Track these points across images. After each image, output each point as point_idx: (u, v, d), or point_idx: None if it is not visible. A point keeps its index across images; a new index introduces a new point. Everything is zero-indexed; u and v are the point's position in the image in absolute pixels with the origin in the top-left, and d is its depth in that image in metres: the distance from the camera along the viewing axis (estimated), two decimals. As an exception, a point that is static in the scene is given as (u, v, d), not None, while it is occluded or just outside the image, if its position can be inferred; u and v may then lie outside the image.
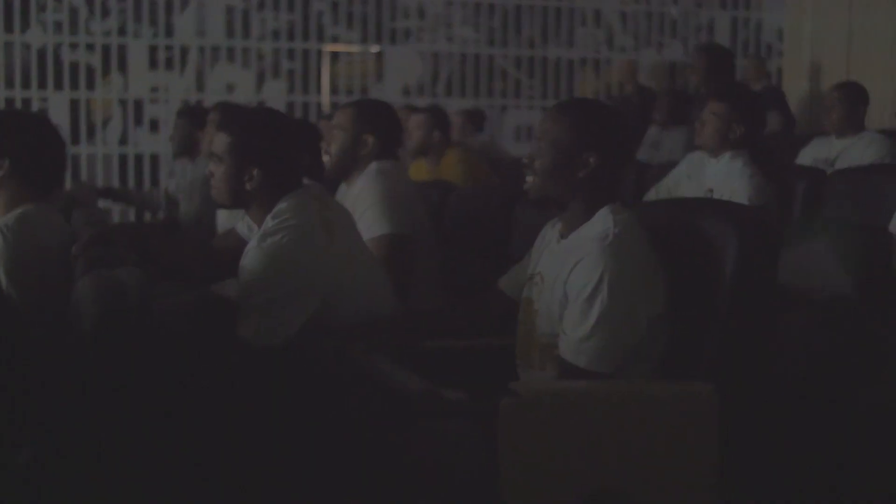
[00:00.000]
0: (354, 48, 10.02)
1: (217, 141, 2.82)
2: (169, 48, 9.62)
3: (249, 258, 2.72)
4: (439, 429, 2.34)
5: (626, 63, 9.87)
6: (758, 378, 2.37)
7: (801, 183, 4.14)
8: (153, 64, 9.59)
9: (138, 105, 9.57)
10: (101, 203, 7.50)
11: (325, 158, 3.56)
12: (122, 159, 9.58)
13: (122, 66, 9.52)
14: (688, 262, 2.47)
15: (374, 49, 10.07)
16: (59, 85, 9.34)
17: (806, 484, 2.62)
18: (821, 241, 3.04)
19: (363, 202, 3.43)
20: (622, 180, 2.60)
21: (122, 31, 9.48)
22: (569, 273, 2.43)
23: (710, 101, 4.14)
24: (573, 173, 2.49)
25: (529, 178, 2.57)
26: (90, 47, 9.43)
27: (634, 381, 2.38)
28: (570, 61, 10.41)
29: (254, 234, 2.80)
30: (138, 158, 9.58)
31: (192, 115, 6.10)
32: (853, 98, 5.46)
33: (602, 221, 2.47)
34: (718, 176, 4.01)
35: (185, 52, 9.65)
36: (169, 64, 9.62)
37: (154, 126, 9.56)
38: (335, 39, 9.95)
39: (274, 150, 2.79)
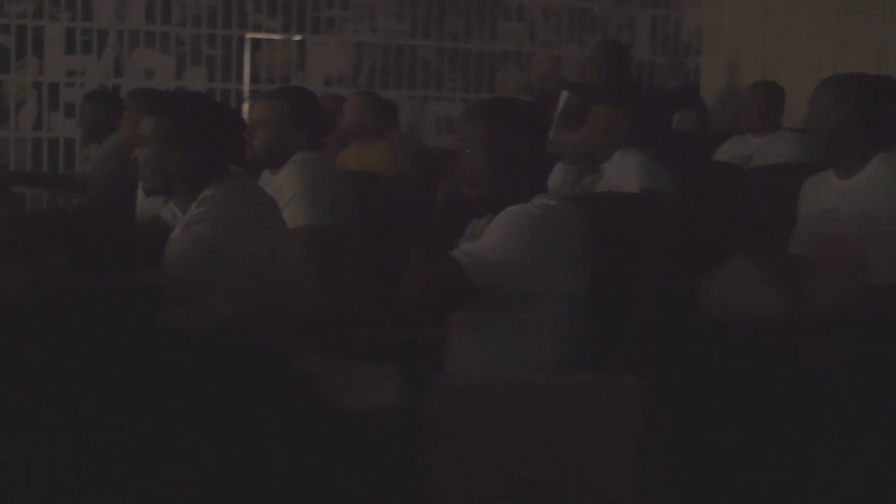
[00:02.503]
0: (276, 36, 9.94)
1: (143, 124, 2.79)
2: (87, 32, 9.44)
3: (174, 246, 2.70)
4: (365, 421, 2.35)
5: (549, 57, 9.94)
6: (679, 369, 2.42)
7: (718, 179, 4.21)
8: (70, 47, 9.41)
9: (54, 89, 9.38)
10: (15, 188, 7.35)
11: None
12: (37, 143, 9.39)
13: (38, 49, 9.32)
14: (612, 252, 2.51)
15: (297, 38, 10.00)
16: (-29, 67, 9.14)
17: (726, 474, 2.67)
18: (742, 270, 3.11)
19: (287, 192, 3.41)
20: (546, 171, 2.66)
21: (38, 14, 9.28)
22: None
23: (591, 106, 4.22)
24: (504, 170, 2.55)
25: (469, 185, 2.61)
26: (5, 29, 9.22)
27: (561, 374, 2.41)
28: (493, 54, 10.45)
29: (179, 221, 2.78)
30: (53, 143, 9.39)
31: (100, 100, 5.97)
32: (770, 97, 5.57)
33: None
34: (613, 177, 4.09)
35: (103, 36, 9.48)
36: (86, 48, 9.44)
37: (70, 110, 9.36)
38: (257, 27, 9.85)
39: (199, 135, 2.77)
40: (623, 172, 4.09)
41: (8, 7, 9.20)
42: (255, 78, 9.87)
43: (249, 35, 9.84)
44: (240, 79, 9.86)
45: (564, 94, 6.62)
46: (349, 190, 3.66)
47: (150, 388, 2.15)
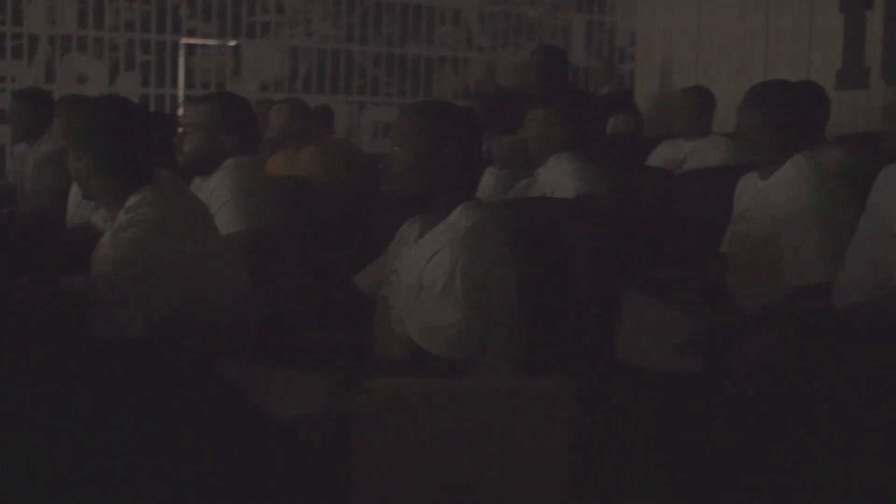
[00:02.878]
0: (211, 41, 9.89)
1: (66, 132, 2.77)
2: (17, 37, 9.32)
3: (103, 252, 2.67)
4: (291, 427, 2.34)
5: (485, 62, 10.00)
6: (608, 369, 2.44)
7: (649, 183, 4.27)
8: (0, 53, 9.29)
9: (-17, 95, 9.27)
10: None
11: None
12: (-34, 150, 9.26)
13: (-33, 55, 9.20)
14: (539, 256, 2.53)
15: (232, 43, 9.95)
16: None
17: (655, 474, 2.70)
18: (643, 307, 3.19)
19: (219, 198, 3.39)
20: (476, 177, 2.66)
21: (-34, 18, 9.17)
22: (425, 265, 2.48)
23: (528, 110, 4.26)
24: (431, 170, 2.55)
25: (390, 181, 2.61)
26: (-67, 33, 9.09)
27: (486, 374, 2.43)
28: (430, 59, 10.48)
29: (107, 228, 2.76)
30: (-16, 149, 9.27)
31: (30, 99, 5.88)
32: (700, 102, 5.65)
33: (457, 217, 2.53)
34: (547, 182, 4.12)
35: (34, 40, 9.37)
36: (17, 53, 9.32)
37: (0, 117, 9.25)
38: (192, 32, 9.80)
39: (117, 140, 2.74)
40: (557, 177, 4.12)
41: (-64, 11, 9.06)
42: (189, 83, 9.81)
43: (184, 40, 9.78)
44: (174, 84, 9.79)
45: None
46: (281, 195, 3.65)
47: (76, 395, 2.13)
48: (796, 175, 3.34)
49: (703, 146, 5.47)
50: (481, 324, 2.45)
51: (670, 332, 3.06)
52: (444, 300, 2.43)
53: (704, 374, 2.82)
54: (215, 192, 3.42)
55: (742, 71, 7.19)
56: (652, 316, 3.08)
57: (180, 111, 8.83)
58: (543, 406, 2.26)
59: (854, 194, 3.10)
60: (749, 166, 3.57)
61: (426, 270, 2.48)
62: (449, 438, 2.22)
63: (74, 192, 4.10)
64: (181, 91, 9.76)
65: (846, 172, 4.24)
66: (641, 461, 2.68)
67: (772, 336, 2.69)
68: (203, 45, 9.91)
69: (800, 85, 3.55)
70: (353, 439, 2.15)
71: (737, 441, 2.57)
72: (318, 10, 10.17)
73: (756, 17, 7.19)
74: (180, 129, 3.51)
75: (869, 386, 2.53)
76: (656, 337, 3.05)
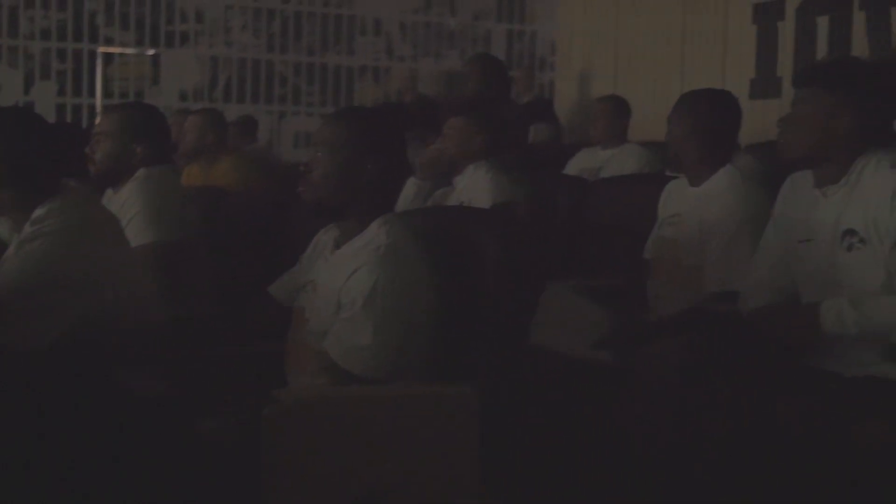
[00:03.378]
0: (130, 50, 9.77)
1: None
2: (-72, 45, 9.15)
3: (7, 265, 2.63)
4: (202, 437, 2.33)
5: (406, 71, 10.02)
6: (519, 378, 2.46)
7: (564, 191, 4.31)
8: (-89, 61, 9.10)
9: None
10: None
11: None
12: None
13: None
14: (454, 267, 2.54)
15: (150, 52, 9.84)
16: None
17: (564, 482, 2.73)
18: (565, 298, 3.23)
19: (130, 209, 3.37)
20: (398, 190, 2.66)
21: None
22: (344, 282, 2.46)
23: (447, 118, 4.29)
24: (351, 180, 2.53)
25: (307, 186, 2.58)
26: None
27: (398, 385, 2.43)
28: (350, 69, 10.46)
29: (13, 240, 2.72)
30: None
31: None
32: (616, 111, 5.73)
33: (376, 231, 2.51)
34: (465, 190, 4.15)
35: (-54, 49, 9.20)
36: (-72, 62, 9.14)
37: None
38: (109, 41, 9.67)
39: (22, 152, 2.70)
40: (475, 186, 4.15)
41: None
42: (107, 93, 9.68)
43: (101, 49, 9.65)
44: (92, 93, 9.66)
45: None
46: (195, 205, 3.63)
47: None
48: (729, 184, 3.39)
49: (619, 154, 5.54)
50: (400, 343, 2.45)
51: (589, 327, 3.10)
52: (363, 320, 2.42)
53: (615, 373, 2.86)
54: (127, 202, 3.39)
55: (659, 80, 7.30)
56: (574, 310, 3.12)
57: (97, 121, 8.71)
58: (454, 413, 2.27)
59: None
60: (662, 175, 3.63)
61: (345, 288, 2.46)
62: (360, 447, 2.22)
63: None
64: (98, 100, 9.63)
65: (755, 180, 4.33)
66: (552, 464, 2.71)
67: (678, 340, 2.74)
68: (121, 54, 9.79)
69: (725, 94, 3.62)
70: (264, 449, 2.15)
71: (643, 439, 2.60)
72: (238, 20, 10.10)
73: (672, 28, 7.30)
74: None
75: (767, 388, 2.58)
76: (576, 331, 3.10)
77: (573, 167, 5.74)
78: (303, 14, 10.19)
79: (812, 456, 2.41)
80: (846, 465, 2.42)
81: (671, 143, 3.53)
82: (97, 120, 8.42)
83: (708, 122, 3.46)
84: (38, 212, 2.67)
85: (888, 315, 2.57)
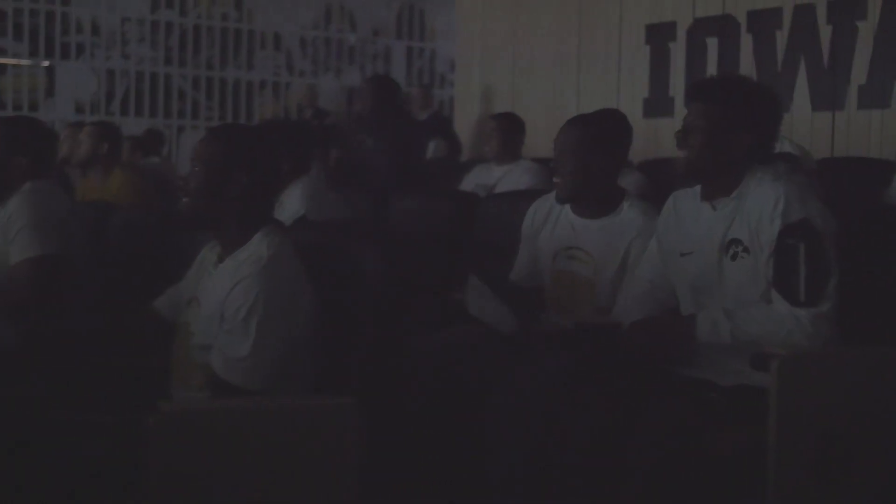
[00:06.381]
0: (24, 61, 9.61)
1: None
2: None
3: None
4: (83, 449, 2.31)
5: (307, 87, 10.02)
6: (397, 389, 2.49)
7: (455, 207, 4.36)
8: None
9: None
10: None
11: None
12: None
13: None
14: (335, 280, 2.57)
15: (45, 63, 9.69)
16: None
17: (441, 493, 2.77)
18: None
19: (16, 222, 3.33)
20: (271, 204, 2.68)
21: None
22: (227, 295, 2.48)
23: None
24: (225, 192, 2.56)
25: (185, 199, 2.62)
26: None
27: (280, 396, 2.44)
28: (250, 83, 10.42)
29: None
30: None
31: None
32: (510, 127, 5.80)
33: (258, 245, 2.54)
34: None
35: None
36: None
37: None
38: (2, 52, 9.50)
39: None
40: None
41: None
42: (0, 104, 9.51)
43: (-7, 60, 9.49)
44: (-17, 105, 9.49)
45: None
46: (83, 219, 3.59)
47: None
48: (634, 219, 3.25)
49: (513, 170, 5.61)
50: (280, 355, 2.47)
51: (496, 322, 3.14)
52: (243, 332, 2.45)
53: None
54: (12, 217, 3.36)
55: (556, 97, 7.42)
56: (487, 302, 3.15)
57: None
58: (335, 425, 2.29)
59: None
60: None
61: (229, 300, 2.48)
62: (242, 458, 2.22)
63: None
64: (-10, 112, 9.46)
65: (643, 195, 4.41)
66: (431, 473, 2.74)
67: (557, 356, 2.80)
68: (14, 66, 9.62)
69: (613, 114, 3.51)
70: (147, 462, 2.14)
71: (515, 449, 2.65)
72: (135, 32, 10.00)
73: (568, 48, 7.43)
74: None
75: (638, 396, 2.65)
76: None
77: (468, 183, 5.79)
78: (201, 27, 10.14)
79: (675, 461, 2.48)
80: (708, 471, 2.51)
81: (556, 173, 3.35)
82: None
83: (598, 150, 3.27)
84: None
85: (759, 325, 2.66)
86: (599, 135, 3.33)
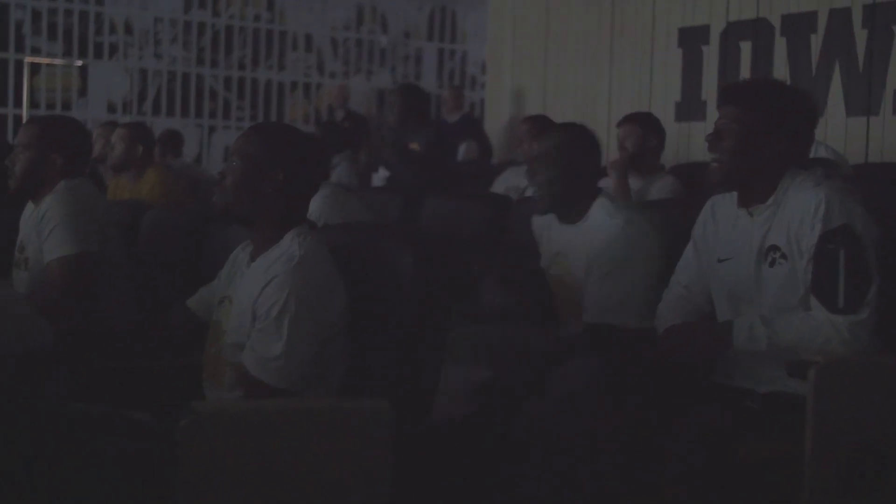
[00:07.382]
0: (57, 61, 9.67)
1: None
2: None
3: None
4: (119, 450, 2.32)
5: (338, 88, 10.04)
6: (433, 394, 2.48)
7: (488, 210, 4.36)
8: None
9: None
10: None
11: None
12: None
13: None
14: (369, 282, 2.56)
15: (78, 63, 9.75)
16: None
17: (476, 497, 2.75)
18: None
19: (51, 220, 3.35)
20: (305, 203, 2.68)
21: None
22: (259, 294, 2.48)
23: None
24: (260, 189, 2.56)
25: (220, 193, 2.62)
26: None
27: (314, 398, 2.44)
28: (281, 84, 10.45)
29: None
30: None
31: None
32: (542, 130, 5.76)
33: (290, 244, 2.54)
34: None
35: None
36: None
37: None
38: (36, 51, 9.57)
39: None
40: None
41: None
42: (34, 103, 9.57)
43: (28, 59, 9.54)
44: (18, 103, 9.55)
45: None
46: (117, 218, 3.61)
47: None
48: (605, 218, 3.36)
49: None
50: (312, 354, 2.47)
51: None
52: (276, 331, 2.44)
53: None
54: (47, 214, 3.38)
55: (587, 100, 7.40)
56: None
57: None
58: (367, 427, 2.29)
59: (676, 221, 3.20)
60: None
61: (261, 298, 2.48)
62: (275, 459, 2.23)
63: None
64: (25, 111, 9.53)
65: (676, 200, 4.40)
66: (465, 481, 2.73)
67: (590, 359, 2.78)
68: (48, 65, 9.68)
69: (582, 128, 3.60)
70: (181, 460, 2.14)
71: (553, 455, 2.63)
72: (168, 33, 10.05)
73: (601, 49, 7.40)
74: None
75: (674, 403, 2.64)
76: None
77: (500, 186, 5.78)
78: (233, 28, 10.17)
79: (710, 468, 2.46)
80: (743, 478, 2.49)
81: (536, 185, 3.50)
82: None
83: (572, 159, 3.41)
84: None
85: (796, 332, 2.64)
86: (571, 144, 3.45)
